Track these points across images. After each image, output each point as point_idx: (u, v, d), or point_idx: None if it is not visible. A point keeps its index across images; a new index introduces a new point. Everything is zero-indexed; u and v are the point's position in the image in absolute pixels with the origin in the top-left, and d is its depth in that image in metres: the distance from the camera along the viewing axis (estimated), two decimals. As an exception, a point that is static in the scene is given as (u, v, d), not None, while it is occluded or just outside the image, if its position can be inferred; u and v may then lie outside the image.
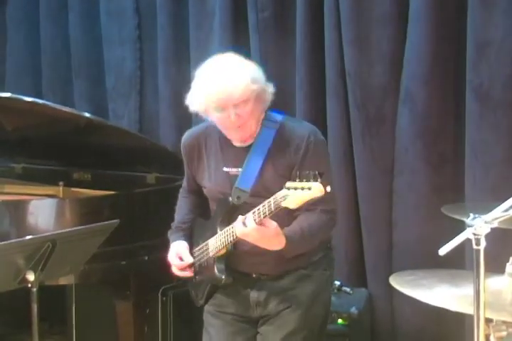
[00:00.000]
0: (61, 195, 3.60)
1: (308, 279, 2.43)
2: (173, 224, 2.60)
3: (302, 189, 1.97)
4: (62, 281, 3.06)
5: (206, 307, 2.53)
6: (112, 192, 3.33)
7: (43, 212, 3.09)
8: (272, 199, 2.06)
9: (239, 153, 2.35)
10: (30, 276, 2.36)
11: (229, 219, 2.30)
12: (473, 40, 2.92)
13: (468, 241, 1.71)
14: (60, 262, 2.46)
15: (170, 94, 3.97)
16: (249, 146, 2.34)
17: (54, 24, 4.43)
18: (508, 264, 2.05)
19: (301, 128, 2.38)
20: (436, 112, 3.10)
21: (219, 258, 2.38)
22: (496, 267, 2.00)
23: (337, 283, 3.27)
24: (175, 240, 2.53)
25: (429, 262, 2.36)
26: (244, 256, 2.36)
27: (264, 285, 2.42)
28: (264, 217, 2.10)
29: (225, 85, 2.21)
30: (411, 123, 3.14)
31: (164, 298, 3.28)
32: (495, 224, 1.69)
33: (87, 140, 3.47)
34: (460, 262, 2.80)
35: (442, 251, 1.72)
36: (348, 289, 3.27)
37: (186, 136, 2.53)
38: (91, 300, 3.46)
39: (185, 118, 3.84)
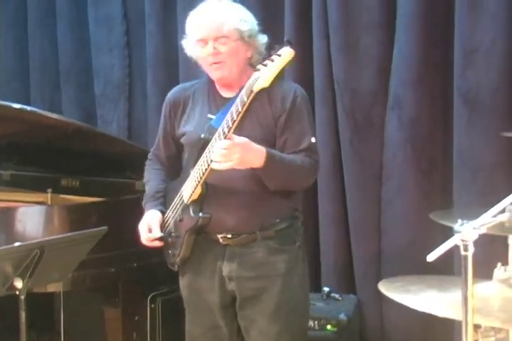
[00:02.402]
0: (49, 202, 3.58)
1: (278, 253, 2.40)
2: (146, 195, 2.58)
3: (272, 61, 2.02)
4: (51, 288, 3.04)
5: (182, 290, 2.54)
6: (101, 199, 3.32)
7: (32, 218, 3.07)
8: (242, 91, 2.10)
9: (226, 102, 2.36)
10: (18, 283, 2.34)
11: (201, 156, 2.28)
12: (460, 46, 2.93)
13: (456, 247, 1.71)
14: (49, 269, 2.44)
15: (159, 101, 3.94)
16: None
17: (42, 30, 4.43)
18: (496, 270, 2.06)
19: (288, 83, 2.51)
20: (425, 118, 3.11)
21: (193, 203, 2.35)
22: (484, 273, 2.00)
23: (326, 289, 3.28)
24: (150, 209, 2.52)
25: (417, 268, 2.36)
26: (213, 204, 2.34)
27: (233, 258, 2.39)
28: (237, 116, 2.11)
29: (207, 17, 2.37)
30: (399, 129, 3.15)
31: (153, 305, 3.26)
32: (483, 230, 1.69)
33: (75, 146, 3.46)
34: (449, 268, 2.80)
35: (431, 257, 1.72)
36: (337, 295, 3.27)
37: (172, 91, 2.59)
38: (79, 307, 3.44)
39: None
